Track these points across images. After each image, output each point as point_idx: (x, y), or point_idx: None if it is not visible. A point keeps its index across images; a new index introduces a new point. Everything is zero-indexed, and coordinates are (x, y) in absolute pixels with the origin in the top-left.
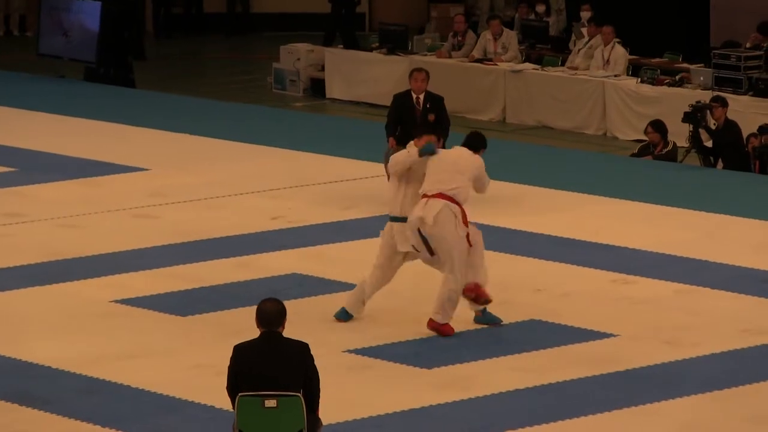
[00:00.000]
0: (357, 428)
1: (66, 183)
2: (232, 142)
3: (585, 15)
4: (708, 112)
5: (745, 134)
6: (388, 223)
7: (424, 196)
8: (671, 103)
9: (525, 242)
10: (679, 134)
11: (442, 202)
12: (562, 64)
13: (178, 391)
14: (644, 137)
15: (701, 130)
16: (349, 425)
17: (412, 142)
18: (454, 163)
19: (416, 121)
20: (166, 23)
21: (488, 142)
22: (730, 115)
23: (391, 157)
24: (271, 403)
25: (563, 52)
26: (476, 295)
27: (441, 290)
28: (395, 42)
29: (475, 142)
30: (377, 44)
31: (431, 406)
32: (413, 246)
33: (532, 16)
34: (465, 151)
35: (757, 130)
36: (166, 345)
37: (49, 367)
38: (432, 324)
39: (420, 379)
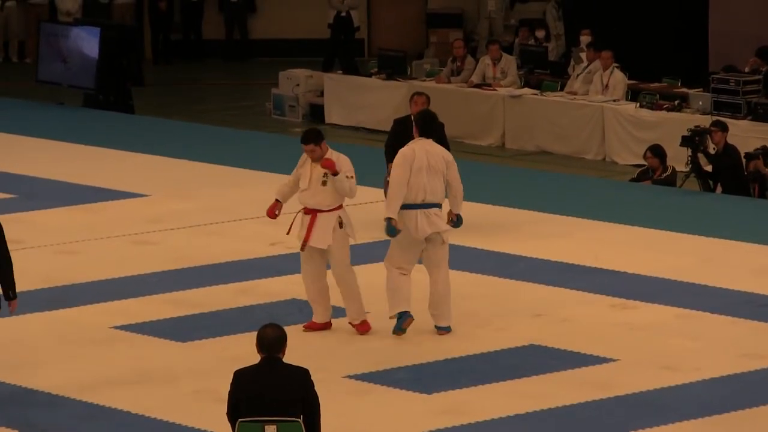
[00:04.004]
0: None
1: (65, 209)
2: (232, 168)
3: (584, 40)
4: (708, 136)
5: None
6: None
7: None
8: (670, 127)
9: (524, 267)
10: (678, 159)
11: None
12: (561, 89)
13: (178, 417)
14: (643, 162)
15: (700, 155)
16: None
17: None
18: None
19: None
20: (164, 49)
21: (487, 167)
22: (729, 140)
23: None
24: (271, 428)
25: (562, 77)
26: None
27: None
28: (394, 67)
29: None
30: (376, 70)
31: (430, 431)
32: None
33: (532, 41)
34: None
35: (744, 156)
36: (166, 371)
37: (49, 394)
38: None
39: (419, 405)
